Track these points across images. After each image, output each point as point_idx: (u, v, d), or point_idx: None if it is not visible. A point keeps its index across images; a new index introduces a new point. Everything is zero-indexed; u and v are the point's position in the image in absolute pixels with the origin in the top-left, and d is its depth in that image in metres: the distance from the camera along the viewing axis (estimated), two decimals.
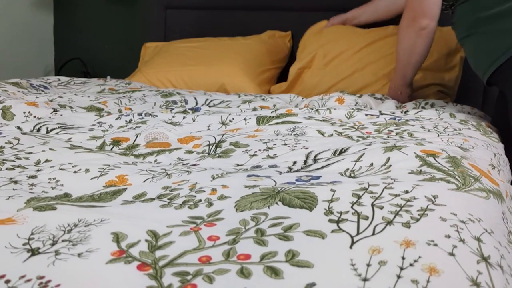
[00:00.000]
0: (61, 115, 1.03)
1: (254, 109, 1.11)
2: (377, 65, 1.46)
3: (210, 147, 0.82)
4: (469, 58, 1.10)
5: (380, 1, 1.53)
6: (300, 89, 1.53)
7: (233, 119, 1.00)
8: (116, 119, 0.99)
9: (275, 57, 1.67)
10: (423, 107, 1.23)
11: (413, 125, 0.93)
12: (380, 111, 1.05)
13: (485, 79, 1.05)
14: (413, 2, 1.10)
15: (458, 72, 1.45)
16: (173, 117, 1.01)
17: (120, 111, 1.10)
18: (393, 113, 1.06)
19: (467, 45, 1.08)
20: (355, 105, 1.19)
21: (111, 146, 0.85)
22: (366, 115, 1.02)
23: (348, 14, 1.60)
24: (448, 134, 0.87)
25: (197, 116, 1.01)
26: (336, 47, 1.53)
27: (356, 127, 0.92)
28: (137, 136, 0.88)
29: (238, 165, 0.73)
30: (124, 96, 1.27)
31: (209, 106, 1.16)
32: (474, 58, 1.08)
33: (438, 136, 0.85)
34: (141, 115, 1.01)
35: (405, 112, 1.08)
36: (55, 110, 1.04)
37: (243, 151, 0.78)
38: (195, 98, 1.27)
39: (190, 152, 0.81)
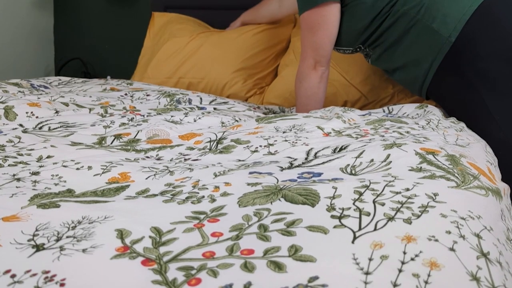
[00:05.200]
0: (62, 115, 1.03)
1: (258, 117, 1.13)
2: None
3: (211, 143, 0.83)
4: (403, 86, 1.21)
5: (268, 6, 1.63)
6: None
7: (234, 117, 1.01)
8: (119, 118, 0.99)
9: (278, 39, 1.66)
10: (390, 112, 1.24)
11: (407, 123, 0.94)
12: (369, 112, 1.07)
13: (424, 95, 1.15)
14: (311, 51, 1.16)
15: None
16: (174, 118, 1.01)
17: (124, 108, 1.10)
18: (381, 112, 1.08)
19: (397, 78, 1.18)
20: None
21: (113, 138, 0.86)
22: (359, 115, 1.03)
23: (244, 17, 1.70)
24: (441, 129, 0.89)
25: (201, 116, 1.02)
26: None
27: (353, 125, 0.93)
28: (138, 132, 0.89)
29: (239, 160, 0.73)
30: (126, 96, 1.28)
31: (214, 108, 1.18)
32: (406, 85, 1.18)
33: (433, 130, 0.87)
34: (143, 115, 1.01)
35: (390, 112, 1.10)
36: (57, 111, 1.04)
37: (244, 147, 0.79)
38: (200, 98, 1.27)
39: (191, 148, 0.82)
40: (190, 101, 1.25)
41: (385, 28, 1.10)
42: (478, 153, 0.78)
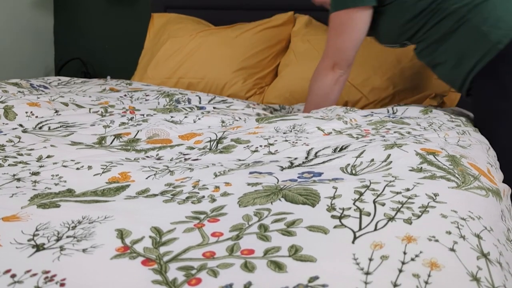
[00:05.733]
0: (62, 115, 1.03)
1: (258, 115, 1.13)
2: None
3: (212, 143, 0.83)
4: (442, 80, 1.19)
5: None
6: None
7: (233, 117, 1.02)
8: (119, 117, 0.99)
9: (277, 39, 1.65)
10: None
11: (409, 124, 0.94)
12: (372, 112, 1.07)
13: (464, 93, 1.13)
14: (332, 52, 1.14)
15: None
16: (174, 118, 1.02)
17: (124, 108, 1.11)
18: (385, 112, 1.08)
19: (437, 73, 1.16)
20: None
21: (113, 138, 0.86)
22: (361, 116, 1.03)
23: None
24: (443, 130, 0.89)
25: (200, 116, 1.02)
26: None
27: (354, 126, 0.93)
28: (138, 132, 0.89)
29: (239, 160, 0.73)
30: (125, 95, 1.28)
31: (214, 108, 1.18)
32: (446, 81, 1.16)
33: (435, 132, 0.86)
34: (143, 114, 1.02)
35: (394, 112, 1.10)
36: (56, 111, 1.04)
37: (244, 147, 0.79)
38: (199, 97, 1.28)
39: (192, 148, 0.82)
40: (189, 101, 1.25)
41: (431, 25, 1.07)
42: (479, 154, 0.78)
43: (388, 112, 1.09)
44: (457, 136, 0.86)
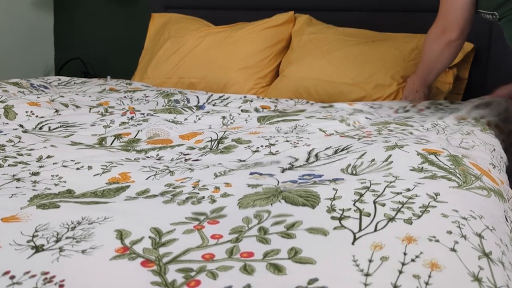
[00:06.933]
0: (62, 114, 1.03)
1: (256, 110, 1.13)
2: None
3: (212, 143, 0.83)
4: None
5: None
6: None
7: (233, 117, 1.01)
8: (119, 117, 0.99)
9: (278, 38, 1.65)
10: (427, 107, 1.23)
11: (412, 125, 0.93)
12: (380, 103, 1.07)
13: None
14: (445, 14, 1.12)
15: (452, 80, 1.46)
16: (174, 118, 1.01)
17: (124, 109, 1.10)
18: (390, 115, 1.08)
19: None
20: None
21: (113, 138, 0.86)
22: (367, 118, 1.02)
23: None
24: (448, 132, 0.88)
25: (200, 116, 1.02)
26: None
27: (357, 127, 0.93)
28: (138, 132, 0.89)
29: (240, 160, 0.73)
30: (125, 97, 1.28)
31: (213, 105, 1.17)
32: None
33: (438, 133, 0.86)
34: (143, 114, 1.01)
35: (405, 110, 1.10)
36: (57, 111, 1.04)
37: (245, 147, 0.79)
38: (197, 97, 1.27)
39: (192, 148, 0.82)
40: (188, 100, 1.25)
41: None
42: (482, 154, 0.77)
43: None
44: (461, 137, 0.85)
